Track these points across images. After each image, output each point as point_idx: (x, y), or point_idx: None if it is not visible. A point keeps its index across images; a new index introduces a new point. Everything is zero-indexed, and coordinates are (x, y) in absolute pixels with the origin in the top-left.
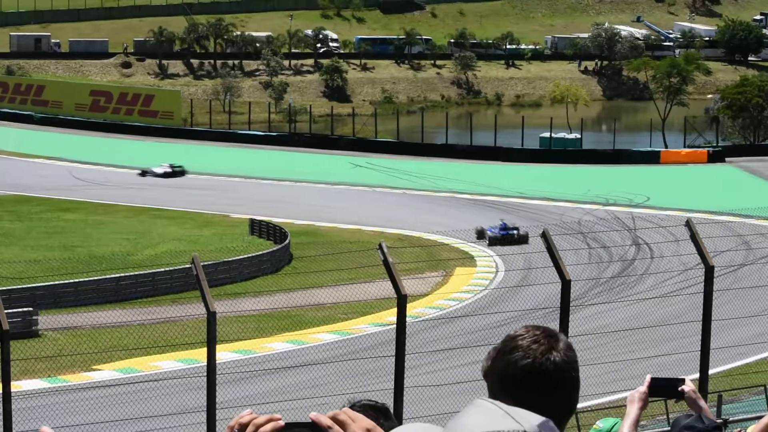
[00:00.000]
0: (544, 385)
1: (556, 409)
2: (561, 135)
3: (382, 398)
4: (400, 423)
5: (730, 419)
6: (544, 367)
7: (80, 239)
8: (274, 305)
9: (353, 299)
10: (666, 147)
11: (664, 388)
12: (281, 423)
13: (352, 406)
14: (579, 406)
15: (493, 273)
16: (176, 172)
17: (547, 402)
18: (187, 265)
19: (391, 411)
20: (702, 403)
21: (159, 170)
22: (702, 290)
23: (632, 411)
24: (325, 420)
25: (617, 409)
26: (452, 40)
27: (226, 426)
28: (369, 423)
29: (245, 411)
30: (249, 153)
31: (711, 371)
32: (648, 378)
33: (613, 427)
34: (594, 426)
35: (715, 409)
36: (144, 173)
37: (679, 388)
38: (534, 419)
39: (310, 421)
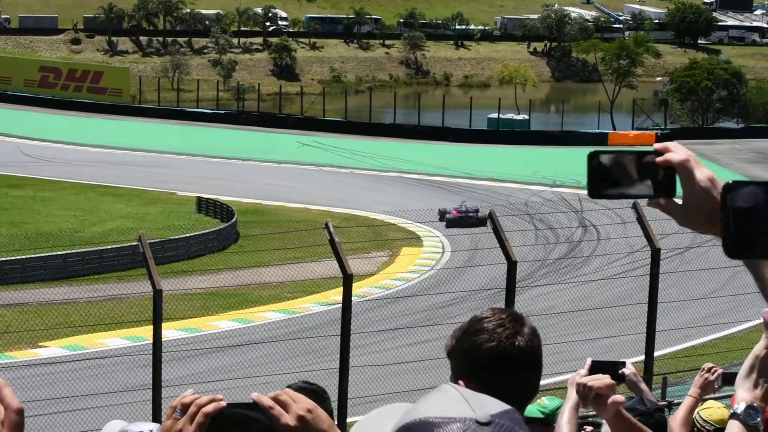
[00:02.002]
0: (508, 369)
1: (517, 392)
2: (509, 116)
3: (328, 377)
4: (344, 401)
5: (675, 401)
6: (508, 351)
7: (27, 215)
8: (221, 283)
9: (299, 278)
10: (614, 129)
11: (604, 371)
12: (223, 404)
13: (289, 387)
14: None
15: (440, 253)
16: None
17: (510, 385)
18: (134, 243)
19: (336, 390)
20: (643, 386)
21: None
22: (648, 272)
23: (573, 394)
24: (266, 401)
25: (561, 390)
26: (401, 20)
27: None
28: (310, 404)
29: (187, 391)
30: (197, 131)
31: (656, 353)
32: (588, 361)
33: (558, 407)
34: (538, 401)
35: (659, 391)
36: (443, 215)
37: (620, 371)
38: (492, 407)
39: (251, 401)
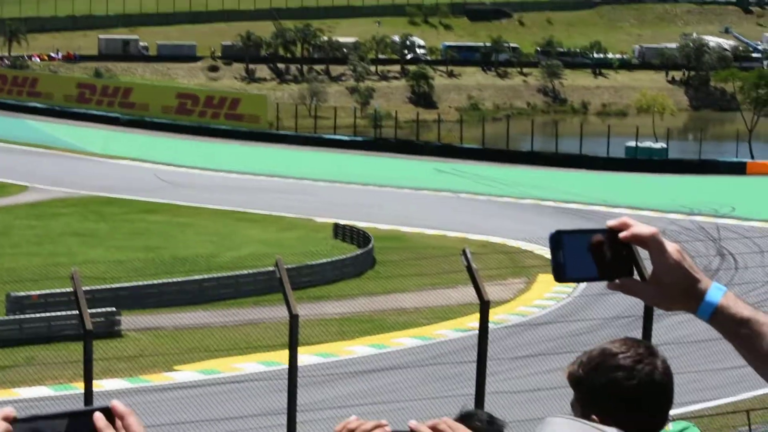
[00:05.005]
0: (644, 406)
1: (648, 426)
2: (647, 144)
3: (464, 403)
4: None
5: None
6: (649, 389)
7: (163, 241)
8: (357, 309)
9: (435, 304)
10: (752, 158)
11: None
12: (388, 429)
13: (464, 416)
14: None
15: None
16: None
17: (642, 420)
18: (271, 268)
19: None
20: None
21: None
22: None
23: None
24: (424, 429)
25: (697, 419)
26: (539, 48)
27: (321, 428)
28: None
29: (352, 417)
30: (334, 157)
31: None
32: None
33: (682, 430)
34: (665, 428)
35: None
36: None
37: None
38: None
39: (409, 429)
